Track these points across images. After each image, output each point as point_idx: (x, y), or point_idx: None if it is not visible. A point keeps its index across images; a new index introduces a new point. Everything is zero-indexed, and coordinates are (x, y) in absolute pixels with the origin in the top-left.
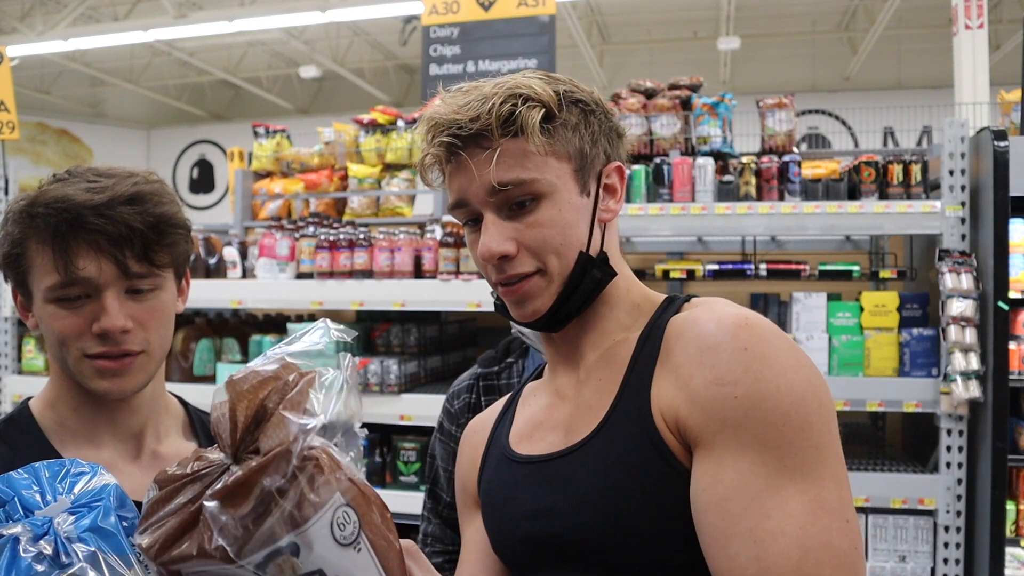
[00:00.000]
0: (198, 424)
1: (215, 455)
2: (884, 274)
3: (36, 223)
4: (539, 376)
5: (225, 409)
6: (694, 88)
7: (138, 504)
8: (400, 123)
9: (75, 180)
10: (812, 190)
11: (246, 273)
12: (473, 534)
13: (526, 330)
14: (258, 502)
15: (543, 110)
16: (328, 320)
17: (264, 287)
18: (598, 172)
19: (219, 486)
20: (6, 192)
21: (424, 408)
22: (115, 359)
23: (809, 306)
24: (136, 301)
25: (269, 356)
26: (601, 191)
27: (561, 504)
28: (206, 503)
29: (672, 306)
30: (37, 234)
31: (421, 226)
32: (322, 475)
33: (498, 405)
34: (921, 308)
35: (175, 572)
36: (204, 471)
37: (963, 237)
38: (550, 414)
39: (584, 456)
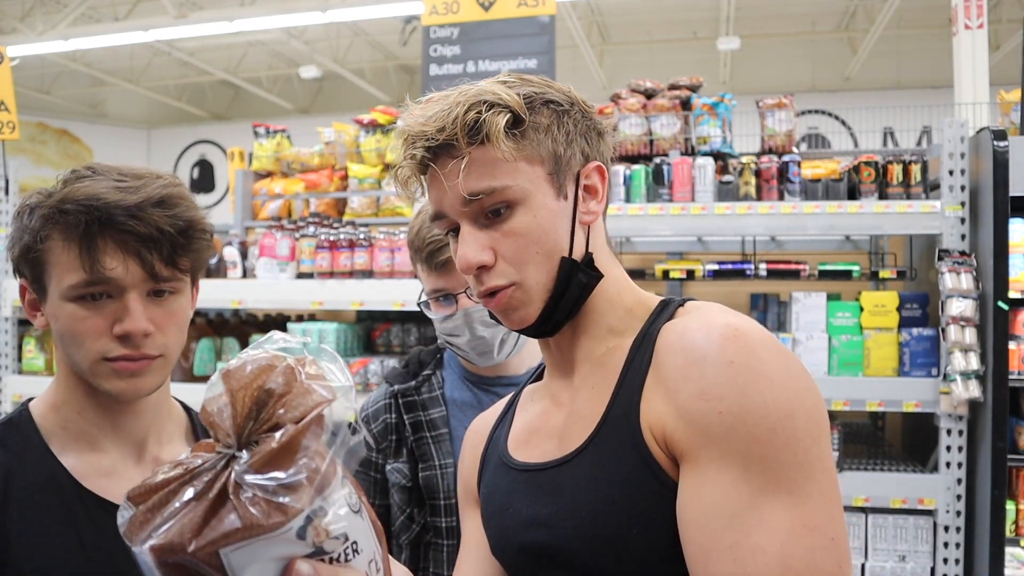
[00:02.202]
0: (200, 430)
1: (198, 459)
2: (884, 274)
3: (66, 219)
4: (539, 378)
5: (225, 399)
6: (694, 88)
7: None
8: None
9: (102, 178)
10: (812, 190)
11: (246, 273)
12: (472, 531)
13: (457, 341)
14: (299, 464)
15: (509, 115)
16: (278, 331)
17: (264, 287)
18: (576, 174)
19: (256, 457)
20: (6, 192)
21: None
22: (134, 361)
23: (809, 306)
24: (156, 304)
25: (250, 352)
26: (581, 192)
27: (553, 515)
28: (246, 477)
29: (666, 311)
30: (64, 231)
31: None
32: (324, 450)
33: (499, 405)
34: (921, 308)
35: (208, 558)
36: (199, 467)
37: (963, 237)
38: (546, 420)
39: (575, 467)
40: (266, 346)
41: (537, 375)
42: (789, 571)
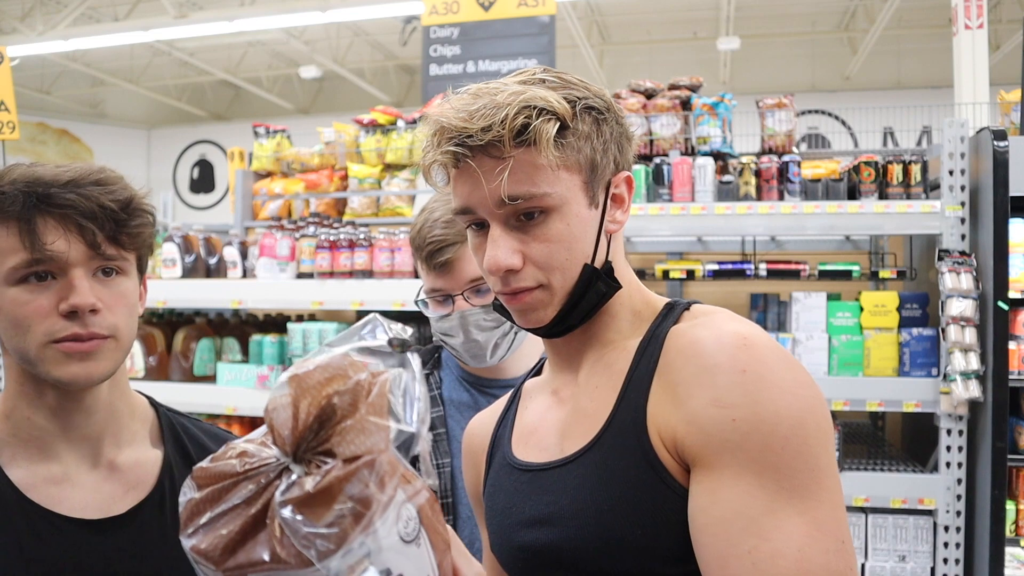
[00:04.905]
0: (167, 428)
1: (264, 451)
2: (884, 274)
3: (2, 200)
4: (538, 373)
5: (287, 402)
6: (694, 88)
7: (83, 522)
8: (400, 123)
9: (40, 167)
10: (812, 190)
11: (246, 273)
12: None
13: (451, 341)
14: (338, 510)
15: (558, 123)
16: (379, 315)
17: (264, 287)
18: (607, 182)
19: (295, 493)
20: None
21: None
22: (83, 341)
23: (809, 306)
24: (103, 285)
25: (331, 352)
26: (609, 201)
27: (556, 515)
28: (281, 511)
29: (672, 314)
30: (1, 213)
31: None
32: (390, 475)
33: (498, 405)
34: (921, 308)
35: None
36: (256, 469)
37: (963, 237)
38: (546, 417)
39: (579, 468)
40: (364, 332)
41: (536, 370)
42: (807, 575)
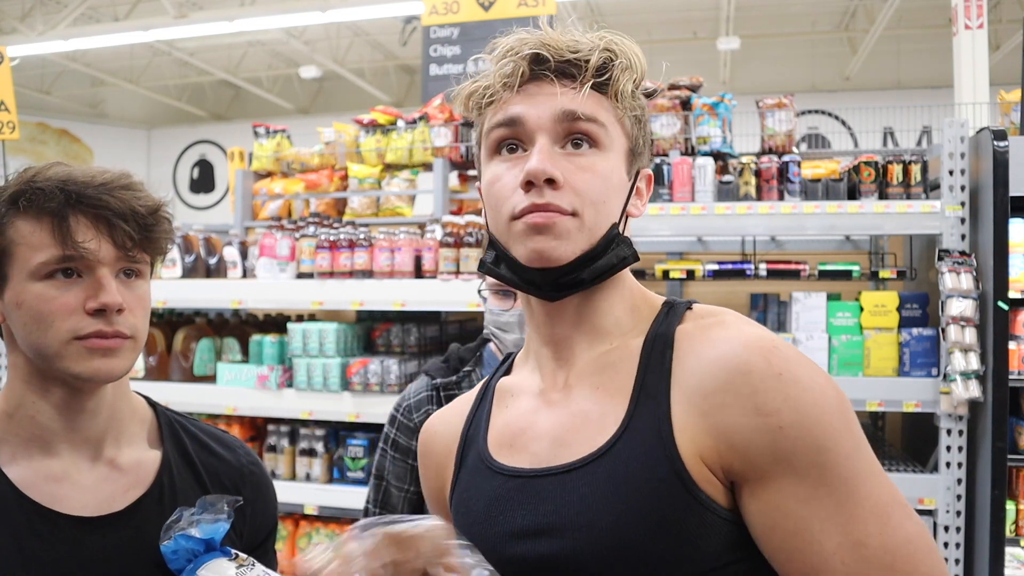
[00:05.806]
0: (166, 427)
1: None
2: (884, 274)
3: (40, 195)
4: (507, 372)
5: None
6: (694, 88)
7: (82, 519)
8: (400, 123)
9: (71, 166)
10: (812, 190)
11: (246, 273)
12: None
13: (505, 336)
14: None
15: (633, 77)
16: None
17: (264, 287)
18: (637, 169)
19: None
20: None
21: None
22: (107, 338)
23: (809, 306)
24: (125, 286)
25: None
26: (632, 190)
27: (558, 525)
28: None
29: (673, 314)
30: (34, 208)
31: (421, 226)
32: None
33: (461, 404)
34: (921, 308)
35: None
36: None
37: (963, 237)
38: (534, 419)
39: (587, 476)
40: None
41: (505, 370)
42: (895, 552)
